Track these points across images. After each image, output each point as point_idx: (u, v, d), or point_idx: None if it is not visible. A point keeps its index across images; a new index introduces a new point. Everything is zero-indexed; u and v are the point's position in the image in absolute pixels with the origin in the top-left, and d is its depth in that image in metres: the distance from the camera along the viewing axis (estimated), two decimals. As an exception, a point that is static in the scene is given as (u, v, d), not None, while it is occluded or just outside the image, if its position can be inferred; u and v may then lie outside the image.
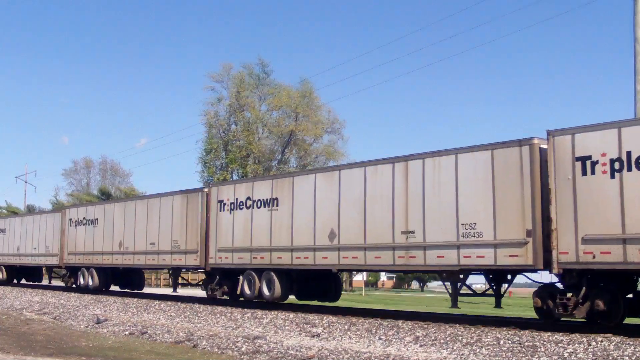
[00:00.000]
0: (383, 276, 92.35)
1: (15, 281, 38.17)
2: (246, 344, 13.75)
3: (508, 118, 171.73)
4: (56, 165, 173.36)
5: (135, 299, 24.91)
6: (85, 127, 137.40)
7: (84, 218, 30.04)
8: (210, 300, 23.08)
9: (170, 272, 26.62)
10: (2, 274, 37.71)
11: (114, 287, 30.36)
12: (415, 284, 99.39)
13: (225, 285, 22.37)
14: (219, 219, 21.86)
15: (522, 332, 13.26)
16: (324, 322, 16.16)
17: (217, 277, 22.52)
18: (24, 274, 38.25)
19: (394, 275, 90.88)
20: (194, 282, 30.73)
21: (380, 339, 13.58)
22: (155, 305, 22.17)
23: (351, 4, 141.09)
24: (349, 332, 14.58)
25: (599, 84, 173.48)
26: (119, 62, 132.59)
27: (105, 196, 64.60)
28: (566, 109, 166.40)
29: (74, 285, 31.17)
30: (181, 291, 33.78)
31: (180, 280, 27.37)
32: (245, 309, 19.76)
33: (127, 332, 16.61)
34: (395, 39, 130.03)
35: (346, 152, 54.88)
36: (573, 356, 10.81)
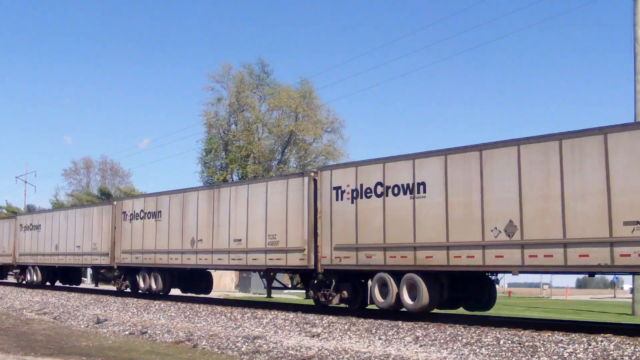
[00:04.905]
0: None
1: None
2: (246, 344, 13.75)
3: (507, 118, 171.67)
4: (56, 165, 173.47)
5: (135, 299, 24.92)
6: (86, 127, 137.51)
7: None
8: (212, 301, 23.04)
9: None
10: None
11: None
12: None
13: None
14: None
15: (522, 332, 13.27)
16: (323, 322, 16.17)
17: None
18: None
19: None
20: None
21: (380, 339, 13.59)
22: (155, 305, 22.17)
23: (351, 4, 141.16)
24: (348, 332, 14.58)
25: (599, 84, 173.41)
26: (120, 62, 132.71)
27: (106, 196, 64.45)
28: (566, 109, 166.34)
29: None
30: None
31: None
32: (245, 309, 19.77)
33: (127, 332, 16.62)
34: (395, 39, 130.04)
35: (346, 151, 54.83)
36: (573, 356, 10.82)
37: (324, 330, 15.00)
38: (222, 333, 15.35)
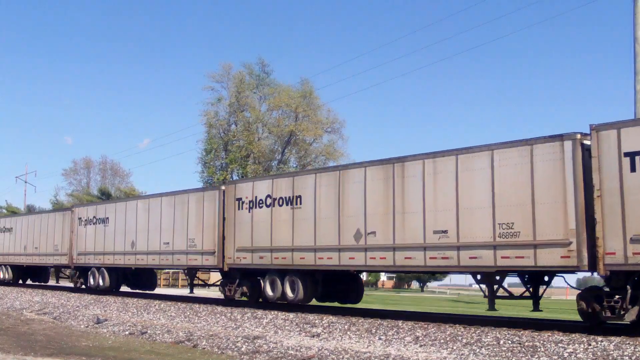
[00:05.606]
0: (383, 276, 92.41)
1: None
2: (246, 344, 13.76)
3: (507, 118, 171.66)
4: (56, 165, 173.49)
5: (135, 299, 24.91)
6: (86, 127, 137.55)
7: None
8: (210, 301, 22.96)
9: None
10: None
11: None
12: (415, 284, 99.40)
13: None
14: None
15: (522, 332, 13.27)
16: (323, 322, 16.16)
17: None
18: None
19: (394, 275, 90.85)
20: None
21: (380, 339, 13.59)
22: (155, 306, 22.18)
23: (351, 4, 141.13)
24: (348, 332, 14.58)
25: (599, 84, 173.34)
26: (120, 62, 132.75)
27: (106, 196, 64.48)
28: (566, 109, 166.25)
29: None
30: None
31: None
32: (245, 309, 19.76)
33: (127, 332, 16.62)
34: (395, 39, 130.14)
35: (346, 151, 54.90)
36: (573, 356, 10.82)
37: (324, 330, 15.00)
38: (222, 333, 15.35)
